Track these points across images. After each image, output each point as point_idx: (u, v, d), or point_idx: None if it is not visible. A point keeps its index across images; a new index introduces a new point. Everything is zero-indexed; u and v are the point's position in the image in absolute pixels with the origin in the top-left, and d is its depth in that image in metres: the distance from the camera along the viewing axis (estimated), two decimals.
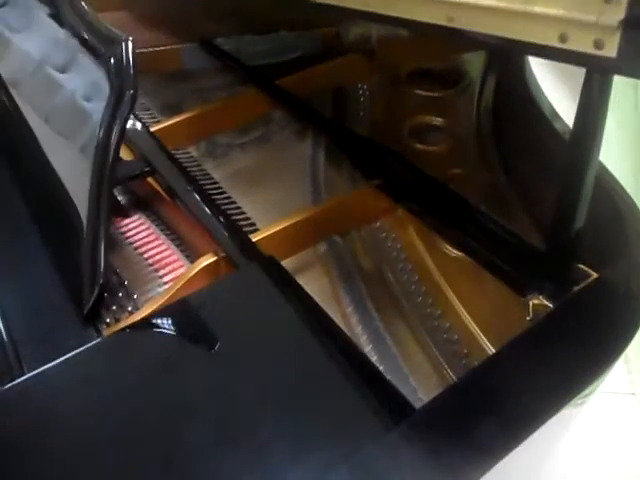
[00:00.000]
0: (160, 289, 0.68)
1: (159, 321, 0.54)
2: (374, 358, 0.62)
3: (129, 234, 0.75)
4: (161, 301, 0.62)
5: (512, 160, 0.87)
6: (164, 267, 0.71)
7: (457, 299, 0.66)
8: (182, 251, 0.73)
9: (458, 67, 1.05)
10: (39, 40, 0.71)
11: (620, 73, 0.35)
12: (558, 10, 0.35)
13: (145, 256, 0.73)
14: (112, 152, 0.52)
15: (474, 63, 1.05)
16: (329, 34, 1.12)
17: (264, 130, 0.99)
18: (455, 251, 0.72)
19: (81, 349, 0.48)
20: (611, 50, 0.32)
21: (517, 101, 0.90)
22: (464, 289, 0.67)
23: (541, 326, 0.49)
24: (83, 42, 0.65)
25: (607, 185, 0.60)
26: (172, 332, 0.51)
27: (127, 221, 0.76)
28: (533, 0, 0.37)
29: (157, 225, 0.77)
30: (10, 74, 0.75)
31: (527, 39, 0.39)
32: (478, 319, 0.64)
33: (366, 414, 0.44)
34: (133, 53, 0.50)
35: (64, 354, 0.48)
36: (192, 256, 0.71)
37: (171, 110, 0.99)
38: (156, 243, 0.74)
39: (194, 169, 0.82)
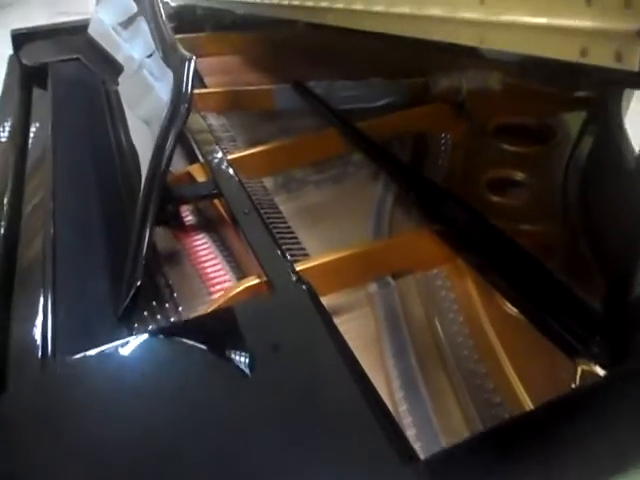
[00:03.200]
0: (205, 306, 0.70)
1: (183, 330, 0.54)
2: (404, 407, 0.58)
3: (191, 251, 0.79)
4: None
5: (598, 226, 0.81)
6: (215, 286, 0.73)
7: (508, 360, 0.61)
8: (236, 274, 0.75)
9: (549, 124, 1.01)
10: (168, 89, 0.80)
11: None
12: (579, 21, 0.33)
13: (200, 273, 0.75)
14: (165, 159, 0.55)
15: (568, 122, 1.01)
16: (418, 84, 1.13)
17: (341, 170, 1.01)
18: (513, 308, 0.67)
19: (107, 346, 0.50)
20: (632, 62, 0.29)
21: (611, 167, 0.85)
22: (517, 350, 0.62)
23: (581, 393, 0.43)
24: None
25: None
26: (193, 342, 0.51)
27: (191, 239, 0.80)
28: (556, 13, 0.35)
29: (218, 246, 0.79)
30: (147, 115, 0.83)
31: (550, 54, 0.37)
32: (528, 384, 0.58)
33: (367, 455, 0.41)
34: (193, 72, 0.54)
35: (92, 348, 0.51)
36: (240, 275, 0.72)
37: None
38: (213, 262, 0.76)
39: (261, 197, 0.85)
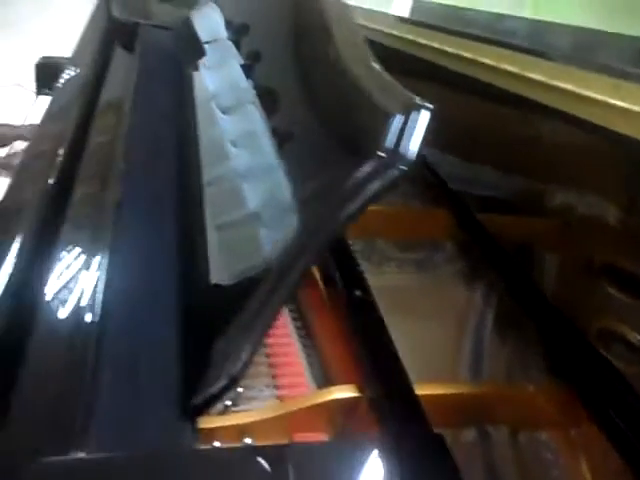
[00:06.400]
0: (267, 392, 0.55)
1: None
2: None
3: None
4: (264, 416, 0.48)
5: None
6: (282, 367, 0.57)
7: None
8: (310, 364, 0.59)
9: None
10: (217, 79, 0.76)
11: None
12: None
13: (267, 350, 0.59)
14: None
15: None
16: (533, 188, 1.01)
17: (426, 255, 0.87)
18: None
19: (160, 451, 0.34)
20: None
21: None
22: None
23: None
24: None
25: None
26: None
27: None
28: None
29: (293, 319, 0.64)
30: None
31: None
32: None
33: None
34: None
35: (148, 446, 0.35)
36: (320, 378, 0.57)
37: None
38: (285, 340, 0.60)
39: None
